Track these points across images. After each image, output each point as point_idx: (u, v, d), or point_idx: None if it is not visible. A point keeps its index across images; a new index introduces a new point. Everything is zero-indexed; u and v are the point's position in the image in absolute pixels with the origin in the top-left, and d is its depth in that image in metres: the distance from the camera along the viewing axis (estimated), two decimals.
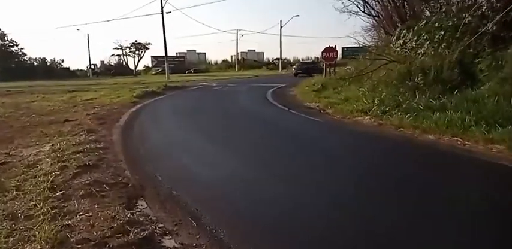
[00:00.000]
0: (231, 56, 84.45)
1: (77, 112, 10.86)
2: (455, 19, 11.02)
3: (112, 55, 59.96)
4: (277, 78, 29.10)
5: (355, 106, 10.33)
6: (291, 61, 68.20)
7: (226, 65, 72.64)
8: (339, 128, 8.52)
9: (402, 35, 15.58)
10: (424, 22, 13.42)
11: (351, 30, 67.76)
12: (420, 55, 11.77)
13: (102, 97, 15.61)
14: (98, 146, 5.73)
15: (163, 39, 30.00)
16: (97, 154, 5.22)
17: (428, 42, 11.51)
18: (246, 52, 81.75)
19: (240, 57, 72.30)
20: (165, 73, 45.84)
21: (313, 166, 5.19)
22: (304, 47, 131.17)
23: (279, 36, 51.92)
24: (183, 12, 64.59)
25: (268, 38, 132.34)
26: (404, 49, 14.25)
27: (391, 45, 16.53)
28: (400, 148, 6.47)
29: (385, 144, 6.82)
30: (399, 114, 8.60)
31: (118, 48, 57.75)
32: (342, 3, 40.29)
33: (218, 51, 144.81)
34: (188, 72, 54.84)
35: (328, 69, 19.30)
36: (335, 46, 19.43)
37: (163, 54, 32.72)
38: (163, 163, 5.34)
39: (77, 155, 5.09)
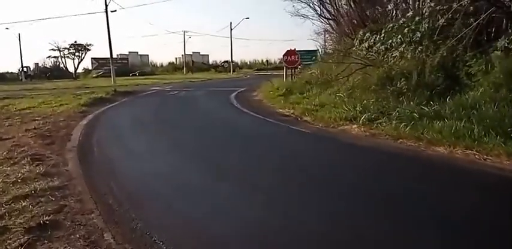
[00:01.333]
0: (176, 58, 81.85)
1: (13, 127, 8.90)
2: (430, 21, 10.61)
3: (48, 57, 54.89)
4: (232, 81, 27.98)
5: (336, 114, 9.45)
6: (239, 63, 67.35)
7: (172, 67, 70.08)
8: (330, 141, 7.53)
9: (366, 37, 15.19)
10: (391, 25, 13.01)
11: (301, 33, 68.78)
12: (394, 59, 11.26)
13: (41, 105, 13.41)
14: (52, 184, 4.05)
15: (107, 39, 27.54)
16: (53, 200, 3.58)
17: (403, 45, 11.00)
18: (191, 55, 79.59)
19: (187, 60, 69.99)
20: (107, 76, 42.87)
21: (332, 198, 4.08)
22: (251, 50, 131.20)
23: (230, 38, 50.55)
24: (135, 12, 60.87)
25: (213, 41, 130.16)
26: (371, 53, 13.79)
27: (354, 48, 16.10)
28: (415, 167, 5.56)
29: (395, 160, 5.91)
30: (393, 122, 7.84)
31: (55, 50, 52.91)
32: (293, 6, 40.09)
33: (161, 53, 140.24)
34: (133, 75, 51.75)
35: (289, 73, 18.52)
36: (295, 48, 18.72)
37: (104, 56, 30.21)
38: (157, 213, 3.61)
39: (22, 203, 3.45)
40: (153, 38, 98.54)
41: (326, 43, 31.11)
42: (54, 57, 54.23)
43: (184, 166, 5.33)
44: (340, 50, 16.54)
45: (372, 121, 8.50)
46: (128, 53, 68.52)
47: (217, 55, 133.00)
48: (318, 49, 53.13)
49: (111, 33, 27.37)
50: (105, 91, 17.47)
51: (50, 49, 53.65)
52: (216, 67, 64.74)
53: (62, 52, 53.34)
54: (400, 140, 7.00)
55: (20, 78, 48.42)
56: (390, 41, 12.29)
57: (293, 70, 18.35)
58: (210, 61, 73.27)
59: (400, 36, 11.19)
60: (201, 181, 4.58)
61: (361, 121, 8.52)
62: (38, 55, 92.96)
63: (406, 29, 11.03)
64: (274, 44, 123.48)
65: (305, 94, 13.73)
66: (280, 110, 11.69)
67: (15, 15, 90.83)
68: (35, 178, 4.23)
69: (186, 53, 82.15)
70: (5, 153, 5.67)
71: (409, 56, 10.54)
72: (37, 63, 54.29)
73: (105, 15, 27.94)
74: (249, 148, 6.75)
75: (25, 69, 50.53)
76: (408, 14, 12.37)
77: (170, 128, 8.68)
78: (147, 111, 12.03)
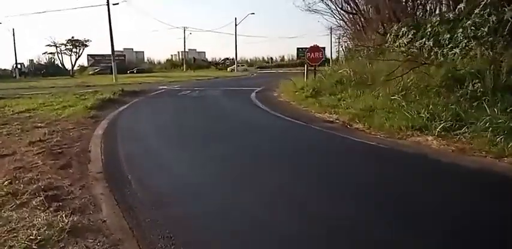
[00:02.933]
0: (171, 55, 79.84)
1: (12, 136, 7.24)
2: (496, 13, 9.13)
3: (44, 53, 52.52)
4: (242, 80, 26.42)
5: (396, 121, 7.94)
6: (240, 61, 65.54)
7: (170, 65, 68.23)
8: (414, 159, 5.88)
9: (402, 33, 13.70)
10: (437, 18, 11.54)
11: (305, 30, 67.53)
12: (454, 56, 9.77)
13: (42, 107, 11.71)
14: None
15: (109, 34, 25.68)
16: None
17: (465, 41, 9.50)
18: (187, 52, 77.69)
19: (189, 56, 68.14)
20: (103, 74, 41.05)
21: None
22: (252, 47, 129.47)
23: (235, 34, 48.74)
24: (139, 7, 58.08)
25: (209, 38, 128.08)
26: (412, 49, 12.31)
27: (388, 44, 14.60)
28: None
29: None
30: (482, 134, 6.34)
31: (52, 45, 50.55)
32: (303, 0, 38.51)
33: (156, 50, 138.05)
34: (130, 72, 49.89)
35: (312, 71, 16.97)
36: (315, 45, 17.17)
37: (100, 53, 28.28)
38: None
39: None
40: (148, 34, 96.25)
41: (341, 40, 29.64)
42: (51, 53, 51.88)
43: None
44: (370, 46, 14.99)
45: (448, 131, 7.01)
46: (122, 50, 66.39)
47: (215, 52, 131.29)
48: (325, 47, 51.68)
49: (112, 28, 25.53)
50: (110, 90, 15.76)
51: (46, 45, 51.24)
52: (217, 64, 62.91)
53: (58, 48, 50.95)
54: (505, 159, 5.50)
55: (14, 75, 46.27)
56: (441, 37, 10.85)
57: (315, 68, 16.77)
58: (209, 59, 71.35)
59: (460, 30, 9.67)
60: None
61: (436, 132, 7.01)
62: (32, 51, 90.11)
63: (468, 22, 9.52)
64: (276, 41, 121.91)
65: (339, 96, 12.19)
66: (319, 114, 10.16)
67: (8, 9, 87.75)
68: (58, 241, 2.63)
69: (183, 50, 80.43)
70: (6, 183, 4.04)
71: (475, 54, 9.06)
72: (32, 60, 52.00)
73: (106, 8, 26.11)
74: (320, 170, 5.16)
75: (19, 66, 48.27)
76: (460, 6, 10.84)
77: (207, 139, 7.02)
78: (167, 115, 10.41)
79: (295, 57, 58.15)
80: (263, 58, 68.66)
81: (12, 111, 11.10)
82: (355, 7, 19.33)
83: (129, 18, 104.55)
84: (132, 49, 74.47)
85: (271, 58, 61.24)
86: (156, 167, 5.03)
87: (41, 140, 6.43)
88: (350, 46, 17.81)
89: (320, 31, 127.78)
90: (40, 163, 4.95)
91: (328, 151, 6.50)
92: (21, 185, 3.91)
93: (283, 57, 66.33)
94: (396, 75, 9.86)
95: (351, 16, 20.94)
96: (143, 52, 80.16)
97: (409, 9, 15.54)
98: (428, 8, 14.81)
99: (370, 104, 9.85)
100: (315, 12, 25.58)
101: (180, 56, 77.82)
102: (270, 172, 4.87)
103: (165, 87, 20.68)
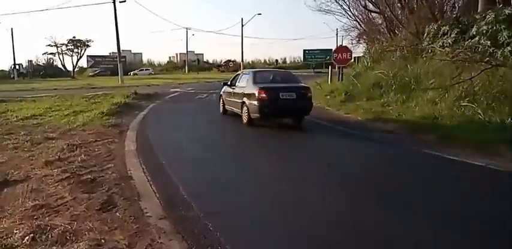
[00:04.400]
0: (170, 57, 78.18)
1: (20, 151, 5.79)
2: None
3: (44, 53, 50.61)
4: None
5: (476, 131, 6.62)
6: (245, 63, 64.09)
7: (172, 66, 66.65)
8: None
9: (443, 32, 12.44)
10: (493, 15, 10.24)
11: (310, 32, 66.70)
12: None
13: (50, 112, 10.25)
14: None
15: (115, 32, 24.10)
16: None
17: None
18: (185, 54, 76.12)
19: (192, 58, 66.49)
20: (104, 75, 39.62)
21: None
22: (252, 49, 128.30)
23: (241, 35, 47.26)
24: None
25: (207, 39, 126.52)
26: (459, 49, 11.00)
27: (425, 44, 13.29)
28: None
29: None
30: None
31: (52, 46, 48.67)
32: (315, 0, 37.33)
33: (154, 52, 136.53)
34: (134, 74, 48.29)
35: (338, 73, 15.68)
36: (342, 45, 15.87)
37: (101, 54, 26.75)
38: None
39: None
40: (146, 36, 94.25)
41: (354, 41, 28.45)
42: (51, 53, 49.98)
43: None
44: (407, 46, 13.65)
45: None
46: (120, 51, 64.65)
47: (215, 54, 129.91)
48: (331, 49, 50.41)
49: (118, 26, 23.98)
50: (121, 93, 14.30)
51: (46, 45, 49.25)
52: (219, 66, 61.39)
53: (59, 49, 49.02)
54: None
55: (12, 76, 44.47)
56: (500, 35, 9.58)
57: (342, 70, 15.44)
58: (209, 61, 69.71)
59: None
60: None
61: None
62: (32, 52, 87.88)
63: None
64: (277, 43, 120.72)
65: (381, 101, 10.87)
66: (370, 123, 8.77)
67: (7, 7, 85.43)
68: None
69: (181, 52, 78.84)
70: (27, 240, 2.61)
71: None
72: (30, 60, 50.14)
73: (108, 6, 24.52)
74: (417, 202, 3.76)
75: (17, 67, 46.47)
76: None
77: (272, 159, 5.58)
78: (199, 123, 8.98)
79: (298, 59, 56.89)
80: (264, 60, 67.28)
81: (16, 116, 9.62)
82: (380, 6, 18.05)
83: (126, 19, 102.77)
84: (130, 50, 72.81)
85: (276, 61, 59.73)
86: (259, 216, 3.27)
87: (60, 159, 4.99)
88: (377, 48, 16.43)
89: (323, 33, 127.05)
90: (68, 198, 3.52)
91: (404, 169, 5.13)
92: None
93: (285, 59, 65.03)
94: (463, 79, 8.47)
95: (370, 16, 19.67)
96: (141, 54, 78.57)
97: (446, 7, 14.27)
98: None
99: (430, 111, 8.53)
100: (327, 12, 24.38)
101: (179, 58, 76.29)
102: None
103: (178, 89, 19.21)
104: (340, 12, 25.71)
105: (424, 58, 12.67)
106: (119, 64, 25.96)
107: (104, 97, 13.95)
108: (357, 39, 25.46)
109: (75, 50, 48.16)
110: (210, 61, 69.30)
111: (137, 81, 26.34)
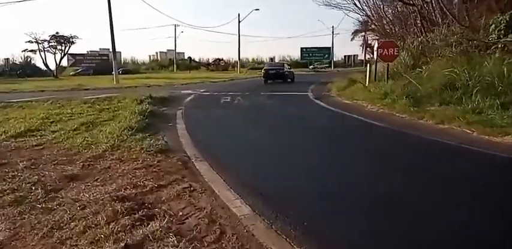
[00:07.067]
0: (149, 56, 74.50)
1: (28, 214, 3.19)
2: None
3: (24, 50, 46.04)
4: (272, 82, 22.81)
5: None
6: (231, 61, 61.19)
7: (157, 65, 63.17)
8: None
9: None
10: None
11: (304, 31, 64.94)
12: None
13: (50, 126, 7.49)
14: None
15: (109, 25, 20.96)
16: None
17: None
18: (166, 52, 72.83)
19: (164, 57, 63.15)
20: (85, 75, 36.45)
21: None
22: (242, 48, 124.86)
23: (238, 33, 44.51)
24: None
25: (189, 37, 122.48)
26: None
27: (494, 38, 11.24)
28: None
29: None
30: None
31: (33, 42, 44.22)
32: None
33: (134, 51, 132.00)
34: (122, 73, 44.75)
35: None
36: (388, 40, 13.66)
37: (82, 51, 23.61)
38: None
39: None
40: (123, 34, 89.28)
41: (367, 37, 26.52)
42: (31, 51, 45.48)
43: None
44: (476, 40, 11.50)
45: None
46: (99, 50, 60.57)
47: (197, 52, 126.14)
48: (330, 47, 48.31)
49: (113, 19, 20.83)
50: (130, 97, 11.54)
51: (26, 42, 44.65)
52: (208, 65, 58.41)
53: (40, 45, 44.60)
54: None
55: None
56: None
57: (388, 67, 13.14)
58: (195, 59, 66.37)
59: None
60: None
61: None
62: (6, 49, 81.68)
63: None
64: (268, 41, 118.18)
65: (467, 106, 8.58)
66: (486, 138, 6.47)
67: None
68: None
69: (161, 51, 75.14)
70: None
71: None
72: (7, 59, 45.65)
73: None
74: None
75: None
76: None
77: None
78: (272, 141, 6.37)
79: (292, 58, 54.63)
80: (253, 59, 64.70)
81: (5, 132, 6.81)
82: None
83: (104, 16, 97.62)
84: (109, 49, 68.77)
85: (272, 59, 57.02)
86: None
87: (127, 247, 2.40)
88: (423, 41, 14.25)
89: (316, 31, 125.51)
90: None
91: None
92: None
93: (274, 58, 62.40)
94: None
95: (381, 12, 17.58)
96: (120, 52, 74.46)
97: None
98: None
99: None
100: (333, 6, 22.38)
101: (159, 56, 72.75)
102: None
103: (189, 91, 16.39)
104: (349, 7, 23.69)
105: (496, 55, 10.63)
106: (114, 62, 22.86)
107: (109, 102, 11.18)
108: (374, 35, 23.37)
109: (59, 47, 43.86)
110: (200, 59, 66.06)
111: (133, 81, 23.29)
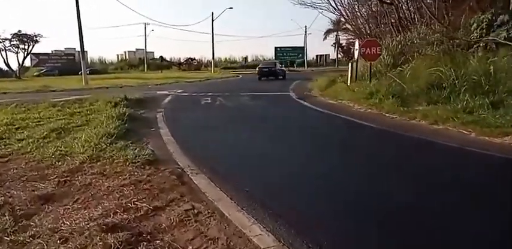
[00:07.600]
0: (117, 55, 72.22)
1: None
2: None
3: None
4: (240, 82, 22.15)
5: None
6: (204, 61, 60.12)
7: (126, 65, 61.13)
8: None
9: (500, 22, 10.50)
10: None
11: (276, 30, 64.90)
12: None
13: (16, 133, 6.64)
14: None
15: (77, 23, 19.65)
16: None
17: None
18: (135, 51, 70.87)
19: (133, 57, 61.12)
20: (50, 75, 34.70)
21: None
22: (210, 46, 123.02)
23: (211, 31, 43.60)
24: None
25: (158, 36, 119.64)
26: None
27: (472, 37, 11.28)
28: None
29: None
30: None
31: None
32: None
33: (100, 49, 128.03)
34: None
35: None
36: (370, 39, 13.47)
37: (47, 51, 22.20)
38: None
39: None
40: (89, 32, 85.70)
41: (340, 37, 26.56)
42: None
43: None
44: (463, 39, 11.46)
45: None
46: (63, 49, 57.92)
47: (168, 52, 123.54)
48: (303, 46, 48.23)
49: (81, 21, 19.55)
50: (103, 99, 10.67)
51: None
52: (180, 64, 57.10)
53: (1, 44, 41.78)
54: None
55: None
56: None
57: (371, 66, 12.93)
58: (168, 59, 64.79)
59: None
60: None
61: None
62: None
63: None
64: (238, 41, 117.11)
65: (457, 106, 8.39)
66: (486, 139, 6.28)
67: None
68: None
69: (130, 50, 72.87)
70: None
71: None
72: None
73: None
74: None
75: None
76: None
77: None
78: (270, 148, 5.69)
79: (263, 57, 54.33)
80: (225, 58, 63.85)
81: None
82: None
83: (69, 14, 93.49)
84: (75, 48, 66.06)
85: (245, 58, 56.34)
86: None
87: None
88: (401, 41, 14.19)
89: (290, 31, 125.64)
90: None
91: None
92: None
93: (247, 57, 61.85)
94: None
95: (355, 11, 17.57)
96: (87, 51, 71.60)
97: None
98: None
99: None
100: (311, 6, 22.27)
101: (128, 56, 70.61)
102: None
103: (164, 92, 15.58)
104: (324, 7, 23.62)
105: (479, 54, 10.64)
106: (82, 61, 21.47)
107: (80, 105, 10.29)
108: (348, 35, 23.38)
109: (21, 46, 41.33)
110: (171, 58, 64.44)
111: (103, 82, 22.08)
